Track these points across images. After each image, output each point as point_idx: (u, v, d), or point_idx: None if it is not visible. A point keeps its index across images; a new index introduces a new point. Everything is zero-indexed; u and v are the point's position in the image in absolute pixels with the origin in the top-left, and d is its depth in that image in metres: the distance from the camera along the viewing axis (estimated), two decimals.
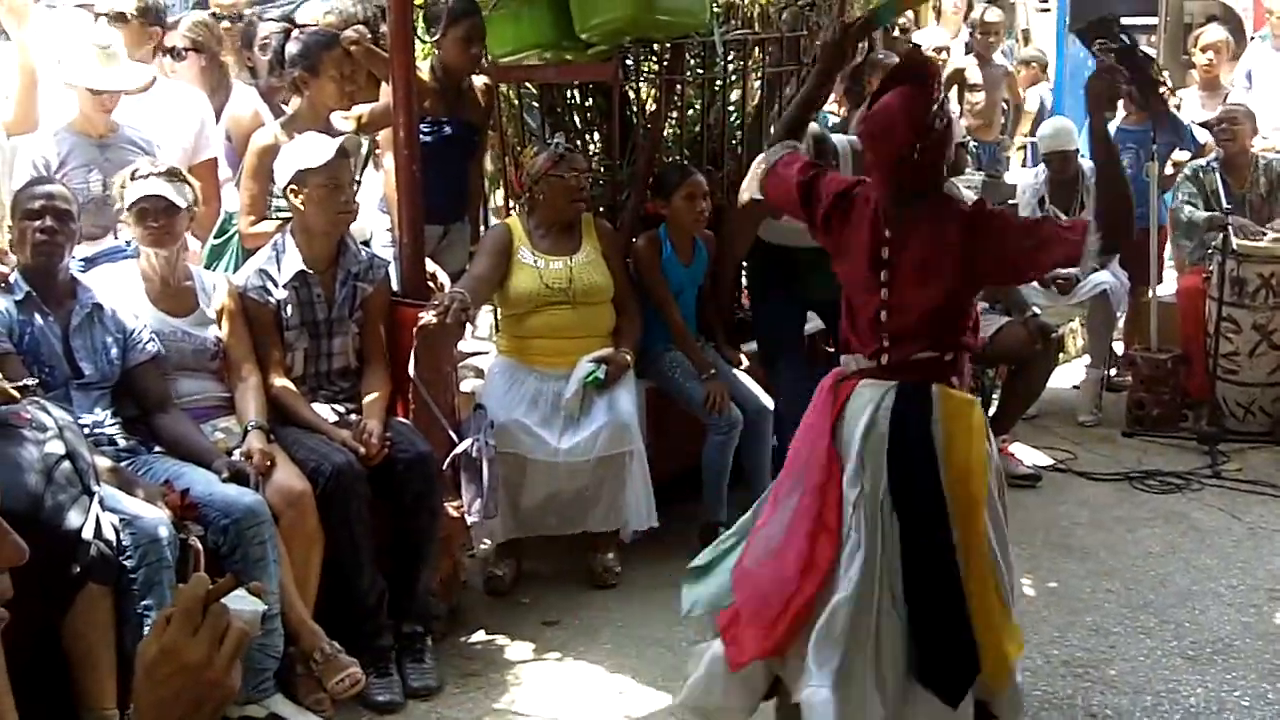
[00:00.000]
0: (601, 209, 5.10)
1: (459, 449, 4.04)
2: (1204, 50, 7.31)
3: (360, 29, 4.63)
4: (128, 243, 3.98)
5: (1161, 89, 5.65)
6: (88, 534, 3.17)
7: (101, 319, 3.68)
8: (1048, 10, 10.64)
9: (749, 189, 3.33)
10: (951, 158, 3.16)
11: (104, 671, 3.25)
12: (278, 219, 4.26)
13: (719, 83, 5.38)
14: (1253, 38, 8.32)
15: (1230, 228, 5.96)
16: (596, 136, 5.38)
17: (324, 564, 3.71)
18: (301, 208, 3.96)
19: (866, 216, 3.08)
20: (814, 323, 5.24)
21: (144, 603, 3.25)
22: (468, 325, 4.54)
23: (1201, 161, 6.53)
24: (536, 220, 4.60)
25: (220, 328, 3.92)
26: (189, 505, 3.44)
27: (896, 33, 7.31)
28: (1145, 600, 4.38)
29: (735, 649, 3.09)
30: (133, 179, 3.80)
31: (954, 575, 2.96)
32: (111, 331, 3.68)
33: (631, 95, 5.27)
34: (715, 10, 5.17)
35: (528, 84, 5.32)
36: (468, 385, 4.86)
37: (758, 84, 5.50)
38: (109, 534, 3.22)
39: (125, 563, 3.25)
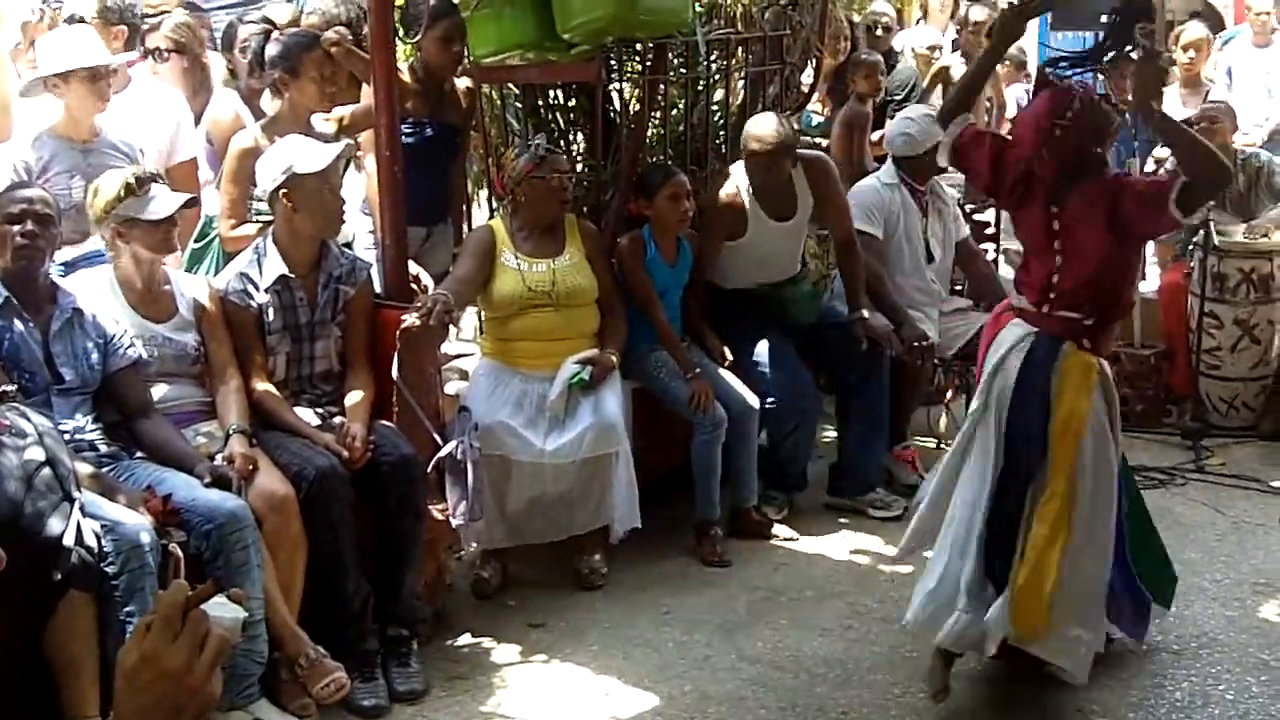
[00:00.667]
0: (585, 209, 5.09)
1: (443, 451, 4.03)
2: (1185, 49, 7.33)
3: (341, 30, 4.61)
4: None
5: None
6: (69, 541, 3.15)
7: (82, 324, 3.66)
8: None
9: (942, 158, 3.88)
10: (1101, 144, 3.63)
11: (87, 679, 3.23)
12: (259, 222, 4.24)
13: (702, 82, 5.38)
14: (1230, 39, 8.31)
15: (1211, 224, 5.98)
16: (580, 137, 5.37)
17: (308, 568, 3.70)
18: (293, 211, 3.94)
19: (1040, 194, 3.58)
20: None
21: (126, 609, 3.23)
22: (451, 327, 4.53)
23: None
24: (520, 222, 4.59)
25: (200, 332, 3.90)
26: (171, 511, 3.42)
27: (880, 32, 7.32)
28: None
29: None
30: (135, 194, 3.76)
31: (1019, 517, 3.51)
32: (92, 337, 3.66)
33: (614, 95, 5.26)
34: (698, 9, 5.17)
35: (510, 84, 5.31)
36: (452, 387, 4.85)
37: (741, 83, 5.50)
38: (90, 541, 3.20)
39: (107, 569, 3.22)
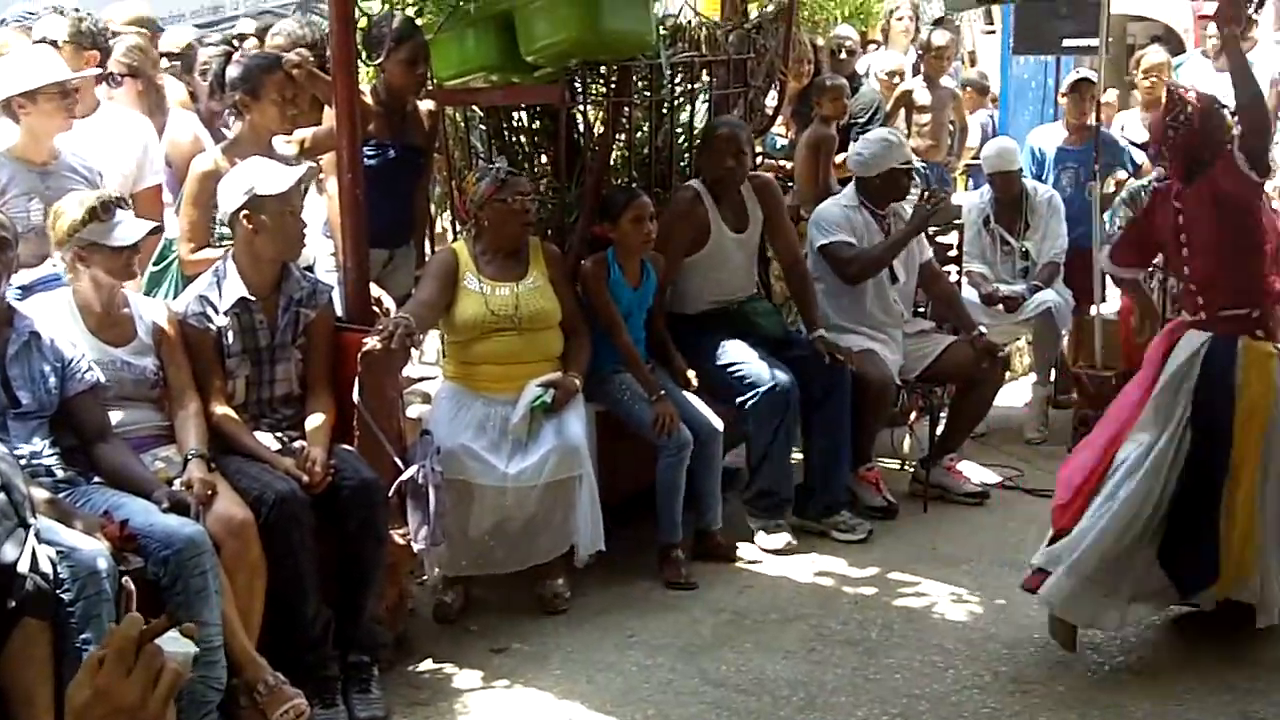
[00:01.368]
0: (549, 232, 5.09)
1: (405, 475, 4.01)
2: (1146, 73, 7.41)
3: (303, 52, 4.60)
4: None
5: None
6: (23, 567, 3.10)
7: (39, 348, 3.61)
8: (993, 32, 10.76)
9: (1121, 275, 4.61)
10: (1212, 144, 3.97)
11: (41, 708, 3.18)
12: (222, 246, 4.21)
13: (666, 105, 5.39)
14: (1180, 65, 8.39)
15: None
16: (544, 159, 5.37)
17: (268, 593, 3.66)
18: (253, 234, 3.91)
19: (1169, 207, 4.09)
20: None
21: (83, 636, 3.18)
22: (413, 350, 4.51)
23: (1141, 182, 6.61)
24: (483, 245, 4.57)
25: (159, 355, 3.86)
26: (128, 536, 3.39)
27: (843, 55, 7.36)
28: None
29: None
30: (100, 219, 3.71)
31: (1218, 490, 3.89)
32: (50, 360, 3.61)
33: (579, 118, 5.27)
34: (662, 32, 5.19)
35: (474, 107, 5.31)
36: (414, 411, 4.83)
37: (705, 106, 5.52)
38: (45, 567, 3.15)
39: (63, 596, 3.18)
